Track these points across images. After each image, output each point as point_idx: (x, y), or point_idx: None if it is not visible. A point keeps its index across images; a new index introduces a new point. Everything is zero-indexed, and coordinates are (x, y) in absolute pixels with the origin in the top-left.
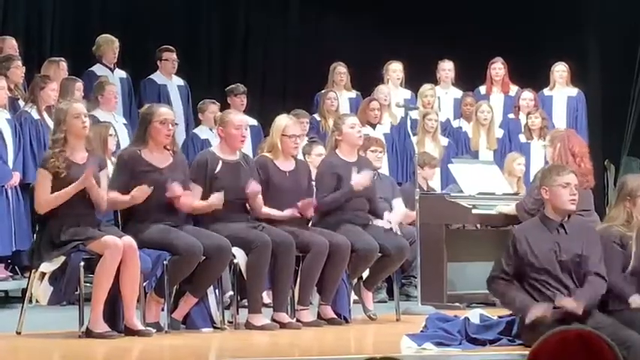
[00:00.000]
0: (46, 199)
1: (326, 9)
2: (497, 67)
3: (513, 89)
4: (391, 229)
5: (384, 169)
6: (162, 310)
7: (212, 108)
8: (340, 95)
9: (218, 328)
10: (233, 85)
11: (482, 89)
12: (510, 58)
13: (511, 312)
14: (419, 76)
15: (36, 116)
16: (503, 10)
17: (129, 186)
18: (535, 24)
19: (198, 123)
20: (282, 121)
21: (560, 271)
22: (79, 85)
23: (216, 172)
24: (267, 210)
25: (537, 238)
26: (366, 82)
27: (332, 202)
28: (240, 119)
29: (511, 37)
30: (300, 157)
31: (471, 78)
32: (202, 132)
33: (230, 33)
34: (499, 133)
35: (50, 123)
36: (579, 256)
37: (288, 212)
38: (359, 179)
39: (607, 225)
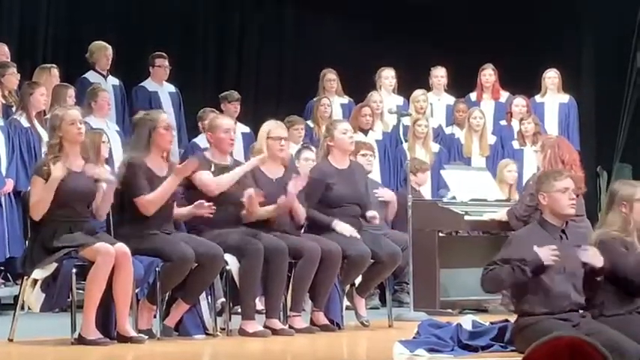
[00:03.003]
0: (37, 205)
1: (321, 15)
2: (488, 74)
3: (504, 95)
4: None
5: (376, 175)
6: (155, 316)
7: (212, 117)
8: (332, 101)
9: (210, 334)
10: (227, 92)
11: (473, 96)
12: (503, 64)
13: (517, 281)
14: (412, 82)
15: (25, 124)
16: (497, 17)
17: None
18: (528, 31)
19: (197, 132)
20: (267, 124)
21: (564, 277)
22: (71, 91)
23: None
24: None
25: (544, 244)
26: (360, 87)
27: (314, 220)
28: (229, 123)
29: (504, 44)
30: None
31: (464, 85)
32: (202, 141)
33: (224, 38)
34: (491, 139)
35: (40, 130)
36: (580, 263)
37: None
38: (346, 228)
39: (605, 230)
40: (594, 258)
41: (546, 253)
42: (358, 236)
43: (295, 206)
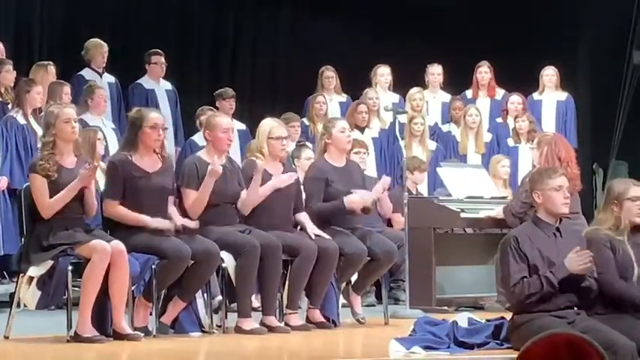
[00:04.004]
0: (49, 203)
1: (317, 13)
2: (483, 71)
3: (499, 93)
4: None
5: (372, 172)
6: (151, 314)
7: (210, 115)
8: (331, 99)
9: (207, 332)
10: (222, 89)
11: (469, 93)
12: (500, 62)
13: (545, 294)
14: (408, 80)
15: (22, 121)
16: (494, 14)
17: (123, 193)
18: (525, 28)
19: (195, 130)
20: (268, 124)
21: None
22: (67, 89)
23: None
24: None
25: (540, 242)
26: (358, 85)
27: (320, 212)
28: (228, 122)
29: (501, 41)
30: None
31: (461, 82)
32: (200, 139)
33: (220, 36)
34: (487, 137)
35: (36, 127)
36: None
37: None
38: (356, 199)
39: (595, 228)
40: (574, 264)
41: (574, 262)
42: (372, 199)
43: None
